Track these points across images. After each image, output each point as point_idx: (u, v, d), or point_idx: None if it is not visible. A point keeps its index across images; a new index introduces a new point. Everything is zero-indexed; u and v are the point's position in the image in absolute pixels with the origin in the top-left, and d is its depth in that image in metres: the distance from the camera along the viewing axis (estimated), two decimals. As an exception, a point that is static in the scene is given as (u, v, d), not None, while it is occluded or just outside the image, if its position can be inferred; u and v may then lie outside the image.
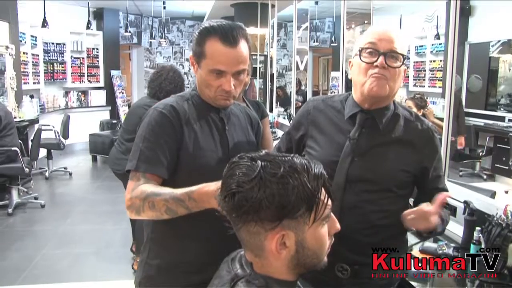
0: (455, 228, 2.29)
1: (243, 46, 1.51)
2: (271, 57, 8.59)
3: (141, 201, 1.39)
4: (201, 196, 1.31)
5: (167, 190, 1.38)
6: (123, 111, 10.87)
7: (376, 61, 1.50)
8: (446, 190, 1.70)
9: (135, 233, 4.11)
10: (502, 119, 6.27)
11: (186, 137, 1.52)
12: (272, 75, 8.23)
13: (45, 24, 8.27)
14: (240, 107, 1.79)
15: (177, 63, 12.87)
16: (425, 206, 1.44)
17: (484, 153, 5.95)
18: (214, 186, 1.28)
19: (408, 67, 8.72)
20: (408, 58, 8.66)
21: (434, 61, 8.06)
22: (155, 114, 1.53)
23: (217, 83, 1.52)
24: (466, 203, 2.15)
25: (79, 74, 10.32)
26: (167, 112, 1.52)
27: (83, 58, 10.37)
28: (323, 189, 1.01)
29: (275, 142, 2.67)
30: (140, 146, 1.49)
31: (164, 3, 10.01)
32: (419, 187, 1.66)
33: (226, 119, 1.63)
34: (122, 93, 11.22)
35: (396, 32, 1.54)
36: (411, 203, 1.75)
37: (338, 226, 1.10)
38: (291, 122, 1.92)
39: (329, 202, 1.03)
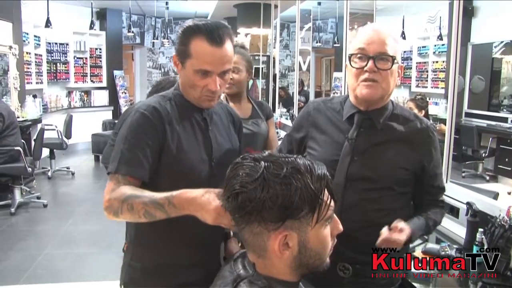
0: (458, 230, 2.29)
1: (228, 46, 1.48)
2: (274, 58, 8.59)
3: (120, 203, 1.36)
4: (181, 202, 1.28)
5: (147, 193, 1.35)
6: (125, 111, 10.89)
7: (365, 65, 1.51)
8: (443, 188, 1.71)
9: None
10: (505, 120, 6.26)
11: (169, 139, 1.49)
12: (274, 76, 8.24)
13: (49, 24, 8.30)
14: (222, 105, 1.77)
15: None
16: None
17: (486, 154, 5.94)
18: (196, 193, 1.25)
19: (410, 68, 8.72)
20: (411, 59, 8.68)
21: (437, 62, 8.05)
22: (136, 115, 1.50)
23: (202, 83, 1.49)
24: (468, 204, 2.15)
25: (82, 74, 10.34)
26: (149, 113, 1.49)
27: (86, 58, 10.39)
28: (326, 190, 1.01)
29: (279, 143, 2.67)
30: (121, 148, 1.46)
31: (167, 3, 10.03)
32: (416, 184, 1.66)
33: (209, 119, 1.61)
34: (125, 93, 11.24)
35: (386, 32, 1.55)
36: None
37: (340, 227, 1.10)
38: (292, 123, 1.93)
39: (332, 203, 1.03)
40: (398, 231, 1.44)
